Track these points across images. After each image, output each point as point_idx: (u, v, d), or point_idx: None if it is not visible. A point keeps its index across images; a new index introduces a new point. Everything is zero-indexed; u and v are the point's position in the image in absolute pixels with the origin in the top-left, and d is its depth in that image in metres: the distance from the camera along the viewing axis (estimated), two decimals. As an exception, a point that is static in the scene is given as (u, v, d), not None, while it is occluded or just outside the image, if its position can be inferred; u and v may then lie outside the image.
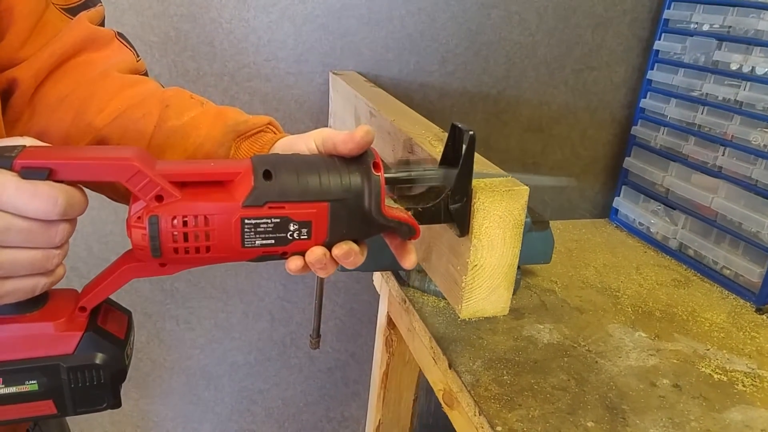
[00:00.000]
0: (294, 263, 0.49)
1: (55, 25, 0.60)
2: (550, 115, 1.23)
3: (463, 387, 0.68)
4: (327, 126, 1.17)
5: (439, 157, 0.64)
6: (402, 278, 0.90)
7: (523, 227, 0.59)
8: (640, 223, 1.20)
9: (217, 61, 1.08)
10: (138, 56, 0.65)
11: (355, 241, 0.51)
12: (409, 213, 0.53)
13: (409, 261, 0.55)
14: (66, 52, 0.59)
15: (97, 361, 0.46)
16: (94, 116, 0.58)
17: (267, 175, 0.46)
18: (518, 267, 0.94)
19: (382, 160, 0.50)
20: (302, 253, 0.49)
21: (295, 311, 1.26)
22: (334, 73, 1.11)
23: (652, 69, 1.18)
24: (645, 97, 1.20)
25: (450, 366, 0.72)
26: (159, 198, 0.43)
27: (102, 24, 0.66)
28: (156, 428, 1.28)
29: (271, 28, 1.07)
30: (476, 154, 0.68)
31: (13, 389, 0.45)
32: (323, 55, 1.11)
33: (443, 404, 0.78)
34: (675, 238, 1.11)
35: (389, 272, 0.96)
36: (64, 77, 0.59)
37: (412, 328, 0.85)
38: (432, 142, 0.72)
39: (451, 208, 0.54)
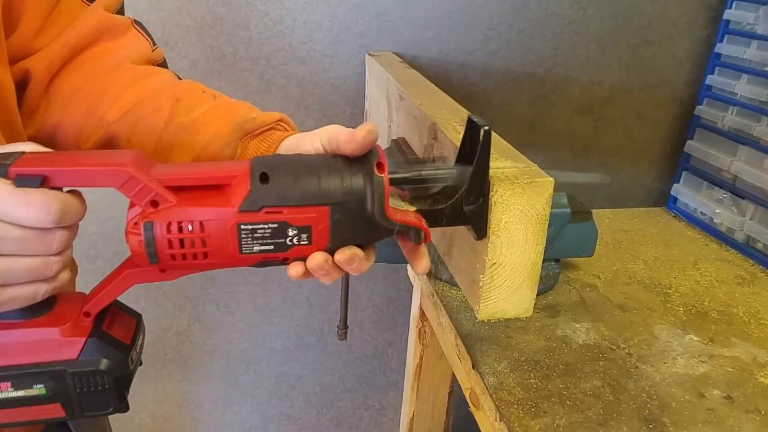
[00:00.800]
0: (295, 270, 0.47)
1: (71, 12, 0.59)
2: (602, 95, 1.15)
3: (485, 389, 0.64)
4: (363, 110, 1.13)
5: (459, 146, 0.60)
6: (431, 270, 0.86)
7: (547, 222, 0.54)
8: (702, 212, 1.10)
9: (252, 45, 1.06)
10: (155, 45, 0.64)
11: (361, 246, 0.48)
12: (419, 215, 0.49)
13: (421, 266, 0.52)
14: (79, 42, 0.58)
15: (101, 367, 0.46)
16: (106, 110, 0.57)
17: (264, 178, 0.44)
18: (557, 260, 0.88)
19: (390, 159, 0.47)
20: (304, 259, 0.46)
21: (333, 299, 1.24)
22: (370, 55, 1.07)
23: (721, 41, 1.08)
24: (712, 73, 1.10)
25: (473, 366, 0.68)
26: (154, 203, 0.42)
27: (121, 11, 0.65)
28: (197, 409, 1.30)
29: (306, 9, 1.04)
30: (500, 138, 0.63)
31: (22, 393, 0.46)
32: (359, 35, 1.07)
33: (470, 404, 0.73)
34: (742, 230, 1.01)
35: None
36: (79, 69, 0.59)
37: (440, 323, 0.81)
38: (457, 127, 0.67)
39: (466, 209, 0.50)
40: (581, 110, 1.15)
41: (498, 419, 0.60)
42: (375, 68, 1.03)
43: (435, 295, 0.82)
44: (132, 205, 0.43)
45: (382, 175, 0.45)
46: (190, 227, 0.43)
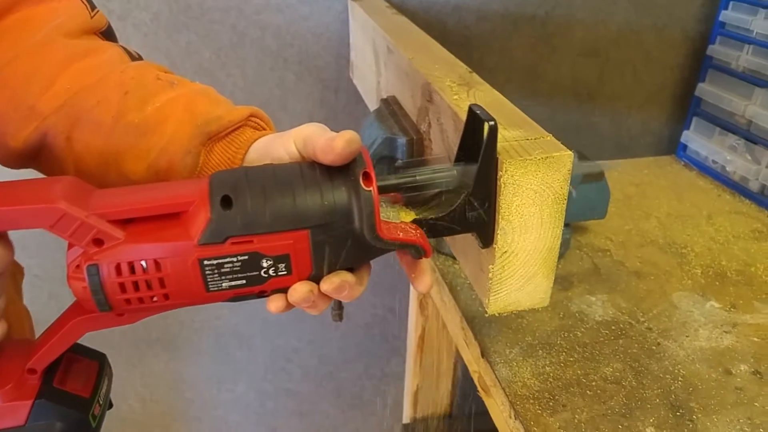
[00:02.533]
0: (274, 304, 0.40)
1: None
2: (609, 37, 1.06)
3: (496, 382, 0.58)
4: (349, 61, 1.03)
5: (458, 111, 0.52)
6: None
7: (566, 202, 0.47)
8: (713, 161, 1.03)
9: (221, -8, 0.96)
10: (93, 8, 0.53)
11: (351, 269, 0.41)
12: (417, 228, 0.42)
13: (422, 284, 0.45)
14: None
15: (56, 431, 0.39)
16: (37, 98, 0.47)
17: (226, 202, 0.37)
18: (567, 225, 0.82)
19: (376, 166, 0.40)
20: (285, 290, 0.40)
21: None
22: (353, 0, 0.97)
23: (736, -27, 0.98)
24: (726, 9, 1.00)
25: (483, 354, 0.62)
26: (98, 242, 0.36)
27: None
28: (189, 389, 1.26)
29: (280, -51, 0.94)
30: (503, 99, 0.55)
31: None
32: (341, -23, 0.97)
33: (479, 389, 0.68)
34: (757, 179, 0.94)
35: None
36: None
37: (444, 301, 0.75)
38: (454, 87, 0.59)
39: (470, 215, 0.43)
40: (586, 54, 1.06)
41: (513, 416, 0.55)
42: (359, 15, 0.93)
43: (436, 271, 0.75)
44: (71, 246, 0.36)
45: (370, 188, 0.38)
46: (143, 267, 0.36)
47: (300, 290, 0.39)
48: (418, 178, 0.42)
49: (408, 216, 0.43)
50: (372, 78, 0.88)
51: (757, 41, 0.94)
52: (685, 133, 1.08)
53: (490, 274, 0.47)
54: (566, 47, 1.06)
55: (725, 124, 1.01)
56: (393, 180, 0.42)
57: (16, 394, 0.38)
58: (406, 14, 0.90)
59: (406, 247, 0.40)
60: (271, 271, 0.38)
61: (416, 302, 0.95)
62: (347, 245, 0.39)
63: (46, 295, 1.10)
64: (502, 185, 0.43)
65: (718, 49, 1.02)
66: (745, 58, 0.97)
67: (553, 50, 1.06)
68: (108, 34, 0.54)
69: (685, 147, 1.09)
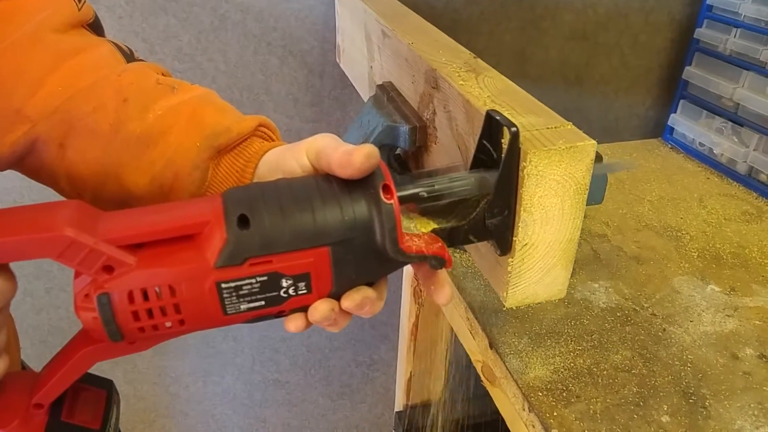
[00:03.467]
0: (294, 324, 0.39)
1: None
2: (597, 20, 1.05)
3: (508, 374, 0.58)
4: (335, 45, 1.01)
5: (472, 100, 0.50)
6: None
7: (587, 192, 0.46)
8: (700, 143, 1.04)
9: (201, -25, 0.92)
10: (80, 0, 0.49)
11: (370, 283, 0.40)
12: (437, 239, 0.41)
13: (443, 295, 0.43)
14: None
15: None
16: (25, 101, 0.43)
17: (243, 221, 0.35)
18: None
19: (396, 178, 0.38)
20: (304, 309, 0.38)
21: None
22: (338, -18, 0.94)
23: (723, -45, 0.98)
24: (712, -9, 1.01)
25: (491, 345, 0.61)
26: (108, 269, 0.34)
27: None
28: (174, 384, 1.23)
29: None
30: (516, 87, 0.54)
31: None
32: (325, -42, 0.94)
33: (483, 378, 0.67)
34: (745, 162, 0.95)
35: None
36: None
37: (444, 290, 0.73)
38: (461, 73, 0.57)
39: (489, 223, 0.42)
40: (574, 37, 1.05)
41: (527, 409, 0.54)
42: (347, -1, 0.90)
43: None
44: (78, 274, 0.34)
45: (391, 201, 0.36)
46: (157, 294, 0.34)
47: (321, 309, 0.38)
48: (436, 186, 0.41)
49: (426, 226, 0.42)
50: (363, 63, 0.86)
51: (745, 24, 0.95)
52: (672, 116, 1.09)
53: (509, 267, 0.46)
54: (555, 31, 1.05)
55: (712, 107, 1.02)
56: (412, 189, 0.41)
57: (23, 430, 0.36)
58: (394, -3, 0.88)
59: (427, 259, 0.39)
60: (291, 291, 0.37)
61: (410, 289, 0.93)
62: (368, 260, 0.38)
63: (21, 291, 1.05)
64: (526, 176, 0.42)
65: (705, 33, 1.02)
66: (732, 41, 0.97)
67: (542, 34, 1.05)
68: (96, 27, 0.51)
69: (672, 130, 1.09)
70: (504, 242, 0.44)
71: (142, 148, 0.44)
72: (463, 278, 0.69)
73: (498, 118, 0.41)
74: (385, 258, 0.38)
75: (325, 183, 0.38)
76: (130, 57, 0.50)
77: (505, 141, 0.41)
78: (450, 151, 0.56)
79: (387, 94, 0.71)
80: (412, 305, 0.95)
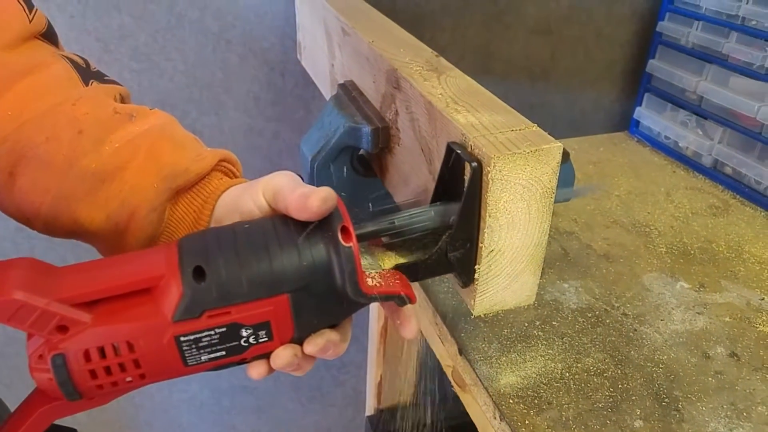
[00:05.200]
0: (256, 371, 0.38)
1: None
2: (560, 14, 1.04)
3: (478, 381, 0.56)
4: (296, 42, 0.98)
5: (429, 96, 0.48)
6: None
7: (554, 195, 0.44)
8: (666, 136, 1.04)
9: (154, -28, 0.88)
10: (31, 8, 0.45)
11: (333, 325, 0.39)
12: (400, 275, 0.40)
13: (409, 331, 0.42)
14: None
15: None
16: None
17: (199, 273, 0.35)
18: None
19: (353, 217, 0.38)
20: (267, 356, 0.38)
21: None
22: (297, -22, 0.91)
23: (683, -52, 0.98)
24: (674, -16, 1.01)
25: (460, 351, 0.59)
26: (62, 329, 0.33)
27: None
28: (138, 394, 1.19)
29: None
30: (481, 88, 0.52)
31: None
32: (282, -47, 0.91)
33: (453, 384, 0.66)
34: (710, 155, 0.95)
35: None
36: None
37: (412, 294, 0.71)
38: (423, 73, 0.55)
39: (451, 256, 0.42)
40: (538, 31, 1.04)
41: (498, 418, 0.53)
42: (306, -6, 0.87)
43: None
44: (30, 335, 0.33)
45: (350, 244, 0.36)
46: (115, 351, 0.34)
47: (283, 356, 0.37)
48: (396, 223, 0.41)
49: (389, 261, 0.41)
50: (324, 61, 0.83)
51: (707, 17, 0.94)
52: (638, 109, 1.08)
53: (476, 275, 0.45)
54: (518, 24, 1.03)
55: (677, 99, 1.02)
56: (371, 227, 0.40)
57: None
58: (355, -8, 0.86)
59: (391, 298, 0.39)
60: (251, 339, 0.36)
61: (379, 294, 0.91)
62: (330, 303, 0.37)
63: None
64: (490, 181, 0.40)
65: (667, 26, 1.01)
66: (694, 34, 0.97)
67: (506, 28, 1.03)
68: (49, 35, 0.48)
69: (637, 123, 1.09)
70: (467, 275, 0.44)
71: (98, 183, 0.42)
72: (431, 282, 0.68)
73: (459, 152, 0.41)
74: (347, 300, 0.37)
75: (283, 226, 0.37)
76: (86, 72, 0.48)
77: (467, 173, 0.41)
78: (413, 152, 0.54)
79: (349, 93, 0.68)
80: (380, 308, 0.93)
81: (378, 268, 0.41)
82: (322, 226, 0.37)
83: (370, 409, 1.11)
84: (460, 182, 0.41)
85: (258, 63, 0.99)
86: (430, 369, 1.04)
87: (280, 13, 0.96)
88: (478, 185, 0.40)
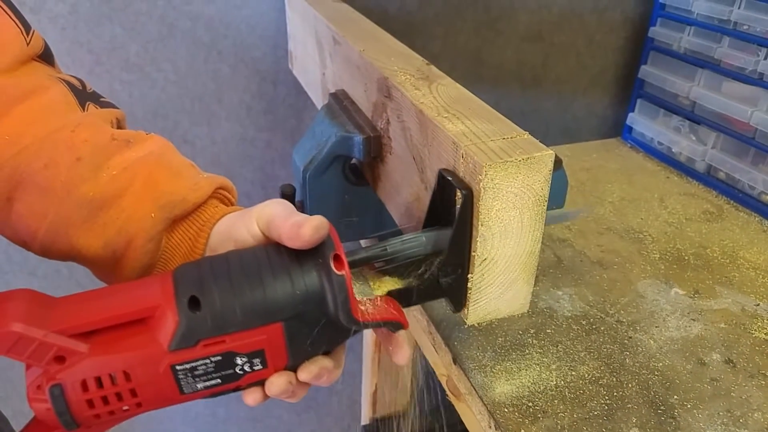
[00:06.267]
0: (252, 397, 0.39)
1: None
2: (551, 20, 1.04)
3: (473, 390, 0.55)
4: (287, 52, 0.98)
5: (421, 105, 0.48)
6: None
7: (546, 203, 0.44)
8: (659, 142, 1.04)
9: (145, -18, 0.88)
10: (28, 30, 0.45)
11: (327, 352, 0.40)
12: (392, 301, 0.41)
13: (401, 357, 0.43)
14: None
15: None
16: None
17: (194, 303, 0.36)
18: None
19: (343, 246, 0.39)
20: (261, 383, 0.39)
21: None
22: (288, -13, 0.91)
23: (673, -46, 0.98)
24: (664, -10, 1.01)
25: (455, 360, 0.59)
26: (59, 359, 0.34)
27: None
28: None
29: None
30: (472, 96, 0.52)
31: None
32: (273, -37, 0.91)
33: (448, 392, 0.65)
34: (703, 160, 0.95)
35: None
36: None
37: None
38: (414, 82, 0.55)
39: (443, 281, 0.42)
40: (530, 38, 1.04)
41: (493, 427, 0.52)
42: (297, 3, 0.87)
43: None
44: (29, 366, 0.34)
45: (342, 272, 0.37)
46: (112, 380, 0.34)
47: (278, 383, 0.38)
48: (389, 249, 0.42)
49: (381, 287, 0.42)
50: (315, 70, 0.83)
51: (699, 22, 0.95)
52: (630, 115, 1.08)
53: (469, 284, 0.44)
54: (510, 32, 1.04)
55: (669, 105, 1.02)
56: (363, 254, 0.41)
57: None
58: (345, 0, 0.86)
59: (383, 325, 0.40)
60: (246, 367, 0.37)
61: (373, 303, 0.91)
62: (323, 331, 0.38)
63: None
64: (482, 190, 0.40)
65: (659, 31, 1.02)
66: (686, 40, 0.97)
67: (497, 35, 1.03)
68: (46, 56, 0.48)
69: (630, 129, 1.09)
70: (458, 300, 0.44)
71: (95, 211, 0.42)
72: (425, 291, 0.67)
73: (450, 178, 0.41)
74: (340, 328, 0.38)
75: (276, 255, 0.38)
76: (82, 94, 0.48)
77: (458, 201, 0.41)
78: (405, 161, 0.54)
79: (340, 102, 0.68)
80: (375, 317, 0.93)
81: (371, 294, 0.41)
82: (315, 254, 0.38)
83: (365, 418, 1.10)
84: (451, 209, 0.42)
85: (249, 73, 0.99)
86: (425, 378, 1.04)
87: (271, 23, 0.96)
88: (469, 213, 0.40)
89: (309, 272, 0.37)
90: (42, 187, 0.42)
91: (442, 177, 0.42)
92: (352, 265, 0.39)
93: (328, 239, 0.38)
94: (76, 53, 0.91)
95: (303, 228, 0.37)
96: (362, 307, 0.39)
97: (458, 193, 0.40)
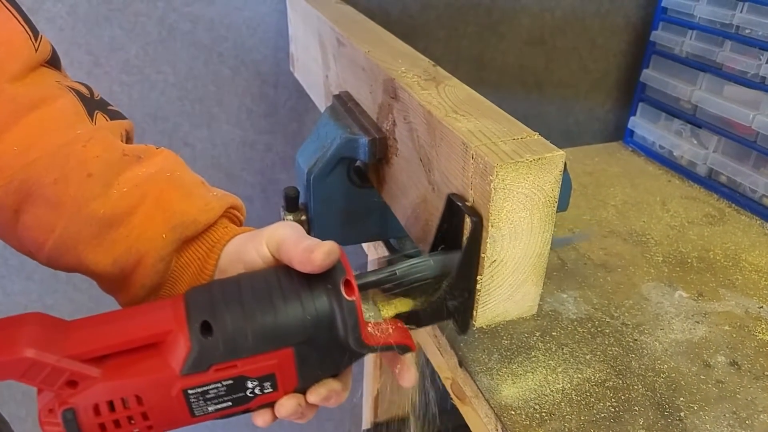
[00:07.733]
0: (261, 419, 0.40)
1: None
2: (554, 24, 1.04)
3: (479, 393, 0.55)
4: (288, 54, 0.97)
5: (427, 105, 0.48)
6: (393, 247, 0.75)
7: (556, 204, 0.44)
8: (660, 146, 1.04)
9: (146, -17, 0.88)
10: (36, 36, 0.44)
11: (335, 374, 0.41)
12: (400, 325, 0.41)
13: (408, 379, 0.43)
14: None
15: None
16: None
17: (206, 328, 0.36)
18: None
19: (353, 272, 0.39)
20: (271, 404, 0.39)
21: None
22: (290, -11, 0.91)
23: (675, -42, 0.99)
24: (666, -6, 1.01)
25: (460, 363, 0.59)
26: (72, 384, 0.34)
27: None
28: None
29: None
30: (480, 98, 0.52)
31: None
32: (275, -36, 0.91)
33: (452, 395, 0.65)
34: (704, 164, 0.96)
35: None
36: None
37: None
38: (421, 83, 0.54)
39: (450, 304, 0.43)
40: (532, 42, 1.04)
41: (500, 430, 0.52)
42: (299, 5, 0.87)
43: (401, 275, 0.71)
44: (41, 390, 0.34)
45: (353, 298, 0.37)
46: (124, 404, 0.35)
47: (288, 405, 0.38)
48: (398, 273, 0.42)
49: (389, 310, 0.42)
50: (318, 72, 0.83)
51: (700, 26, 0.95)
52: (632, 119, 1.09)
53: (478, 286, 0.44)
54: (513, 35, 1.04)
55: (671, 109, 1.02)
56: (372, 278, 0.41)
57: None
58: (348, 2, 0.85)
59: (392, 348, 0.40)
60: (257, 390, 0.37)
61: (375, 305, 0.90)
62: (332, 355, 0.38)
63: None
64: (493, 190, 0.40)
65: (661, 35, 1.02)
66: (688, 44, 0.97)
67: (500, 38, 1.04)
68: (54, 62, 0.47)
69: (632, 133, 1.09)
70: (464, 323, 0.45)
71: (105, 228, 0.42)
72: (430, 293, 0.67)
73: (459, 204, 0.42)
74: (349, 351, 0.38)
75: (286, 279, 0.38)
76: (91, 102, 0.47)
77: (467, 227, 0.41)
78: (411, 162, 0.54)
79: (344, 104, 0.68)
80: (377, 320, 0.92)
81: (379, 317, 0.41)
82: (326, 278, 0.38)
83: (366, 422, 1.09)
84: (459, 233, 0.42)
85: (250, 75, 0.98)
86: (428, 381, 1.03)
87: (272, 25, 0.96)
88: (477, 239, 0.41)
89: (319, 297, 0.37)
90: (51, 201, 0.41)
91: (451, 202, 0.43)
92: (362, 288, 0.39)
93: (338, 264, 0.38)
94: (74, 54, 0.90)
95: (315, 253, 0.37)
96: (371, 330, 0.39)
97: (467, 220, 0.41)
